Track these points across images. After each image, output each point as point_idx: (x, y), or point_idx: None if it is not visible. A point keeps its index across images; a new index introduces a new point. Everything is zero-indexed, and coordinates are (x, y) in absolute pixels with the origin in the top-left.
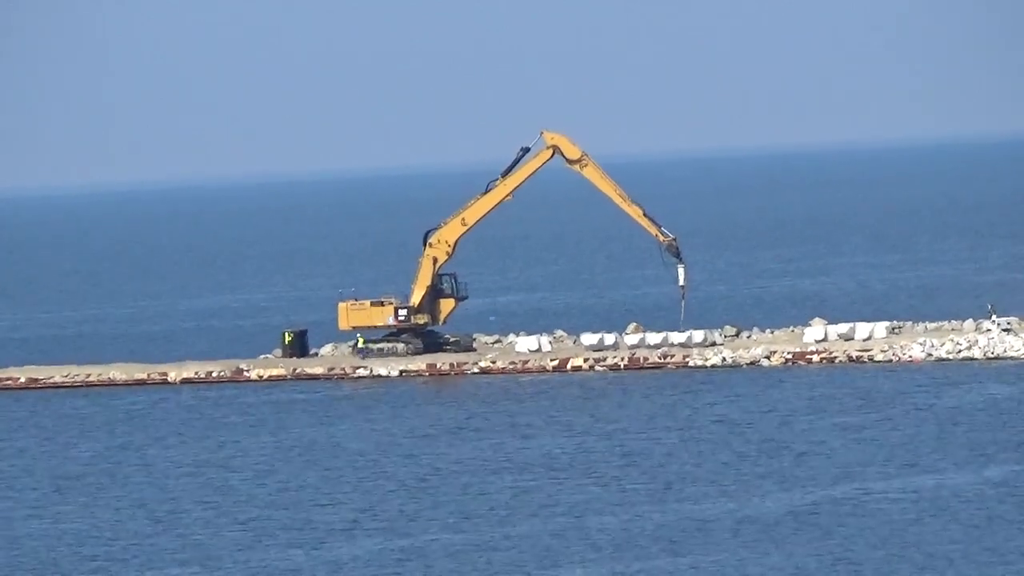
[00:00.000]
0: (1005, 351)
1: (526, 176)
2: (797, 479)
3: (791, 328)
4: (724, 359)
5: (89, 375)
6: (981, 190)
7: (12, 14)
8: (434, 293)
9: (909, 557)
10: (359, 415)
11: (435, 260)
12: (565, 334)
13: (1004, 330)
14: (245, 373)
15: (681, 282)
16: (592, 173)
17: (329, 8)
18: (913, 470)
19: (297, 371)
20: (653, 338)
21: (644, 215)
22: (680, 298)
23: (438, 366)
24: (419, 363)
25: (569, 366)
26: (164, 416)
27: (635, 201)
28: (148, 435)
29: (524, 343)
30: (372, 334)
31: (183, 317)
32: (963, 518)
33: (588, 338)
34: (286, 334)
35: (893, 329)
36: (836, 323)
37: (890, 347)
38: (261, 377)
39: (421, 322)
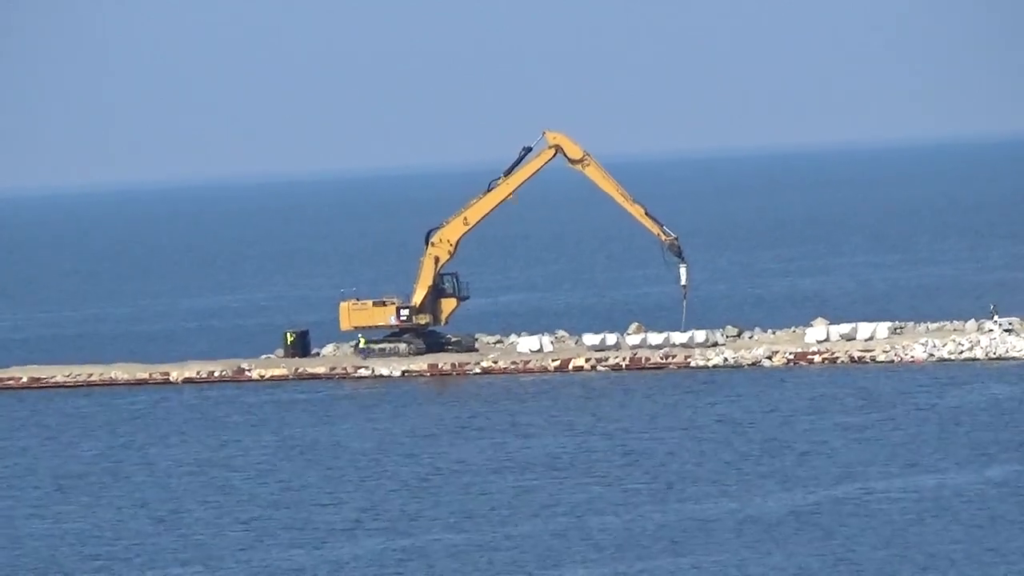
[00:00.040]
0: (1007, 351)
1: (528, 175)
2: (799, 479)
3: (793, 328)
4: (726, 359)
5: (91, 375)
6: (981, 190)
7: (12, 14)
8: (436, 293)
9: (911, 557)
10: (361, 415)
11: (437, 259)
12: (567, 334)
13: (1006, 330)
14: (247, 373)
15: (683, 281)
16: (594, 173)
17: (329, 8)
18: (915, 470)
19: (299, 371)
20: (655, 338)
21: (646, 214)
22: (682, 298)
23: (440, 366)
24: (421, 363)
25: (571, 366)
26: (166, 416)
27: (637, 200)
28: (150, 435)
29: (526, 343)
30: (374, 334)
31: (184, 317)
32: (965, 518)
33: (590, 338)
34: (288, 334)
35: (895, 329)
36: (838, 323)
37: (892, 347)
38: (263, 377)
39: (423, 322)
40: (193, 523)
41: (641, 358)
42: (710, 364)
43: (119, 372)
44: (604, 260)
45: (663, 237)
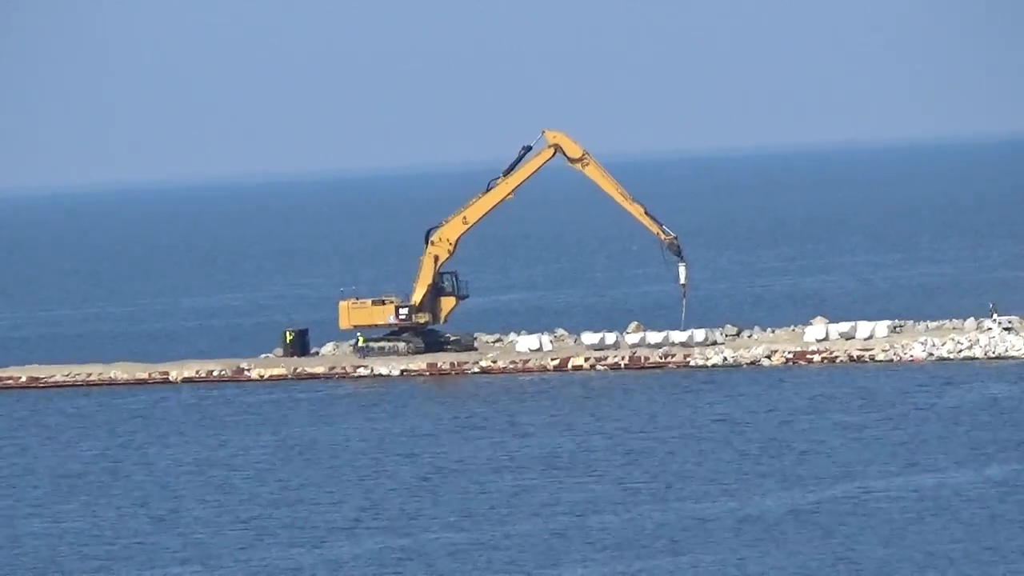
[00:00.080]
0: (1006, 350)
1: (528, 175)
2: (798, 478)
3: (792, 327)
4: (725, 358)
5: (90, 374)
6: (981, 190)
7: (12, 14)
8: (435, 292)
9: (910, 556)
10: (360, 414)
11: (436, 258)
12: (566, 333)
13: (1005, 329)
14: (246, 372)
15: (682, 280)
16: (593, 172)
17: (329, 8)
18: (914, 469)
19: (298, 370)
20: (654, 337)
21: (645, 213)
22: (681, 297)
23: (439, 365)
24: (420, 362)
25: (570, 365)
26: (165, 415)
27: (636, 200)
28: (149, 434)
29: (525, 342)
30: (373, 333)
31: (184, 316)
32: (964, 517)
33: (589, 337)
34: (287, 333)
35: (894, 328)
36: (837, 322)
37: (891, 346)
38: (262, 376)
39: (422, 321)
40: (192, 522)
41: (640, 357)
42: (709, 363)
43: (119, 372)
44: (603, 259)
45: (663, 236)
